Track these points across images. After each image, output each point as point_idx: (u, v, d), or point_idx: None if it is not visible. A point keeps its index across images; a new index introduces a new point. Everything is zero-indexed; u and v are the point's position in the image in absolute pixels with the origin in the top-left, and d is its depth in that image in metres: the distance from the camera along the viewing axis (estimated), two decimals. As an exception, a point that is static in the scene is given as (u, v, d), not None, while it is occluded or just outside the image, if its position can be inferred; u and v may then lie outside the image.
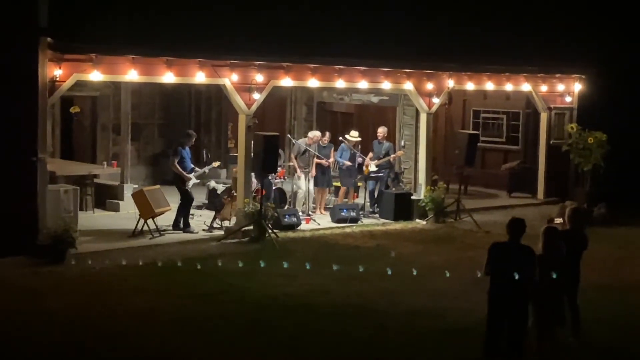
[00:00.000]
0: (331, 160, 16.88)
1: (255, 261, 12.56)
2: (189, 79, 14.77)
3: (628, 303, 11.31)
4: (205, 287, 11.45)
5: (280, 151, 16.21)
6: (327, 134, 17.28)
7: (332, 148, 17.01)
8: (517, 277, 8.19)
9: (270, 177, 15.84)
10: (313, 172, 16.64)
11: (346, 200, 17.41)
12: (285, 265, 11.58)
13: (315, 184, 16.95)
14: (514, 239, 8.55)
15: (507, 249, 8.54)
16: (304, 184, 16.71)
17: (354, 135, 17.27)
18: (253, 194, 15.29)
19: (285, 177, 17.34)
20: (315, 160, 16.66)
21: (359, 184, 17.98)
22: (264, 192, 15.13)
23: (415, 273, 10.46)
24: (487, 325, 8.60)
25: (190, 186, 15.11)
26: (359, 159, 17.27)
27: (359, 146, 17.34)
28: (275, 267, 11.99)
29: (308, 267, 11.20)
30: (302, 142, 16.97)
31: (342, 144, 17.21)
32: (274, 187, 16.38)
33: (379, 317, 10.43)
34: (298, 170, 16.66)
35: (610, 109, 18.98)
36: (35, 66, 12.81)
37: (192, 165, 15.31)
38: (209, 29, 14.72)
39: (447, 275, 10.38)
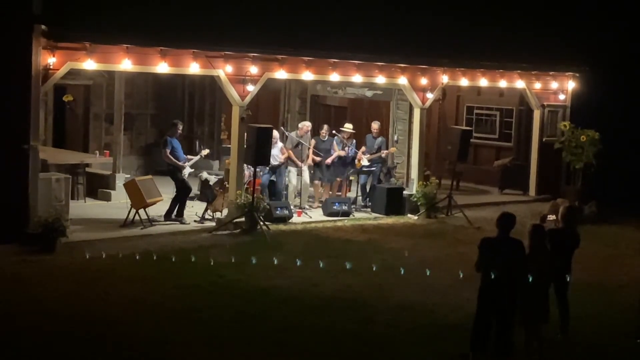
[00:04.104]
0: (336, 154, 16.83)
1: (246, 253, 12.58)
2: (183, 70, 14.76)
3: (615, 301, 11.36)
4: (195, 278, 11.45)
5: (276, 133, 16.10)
6: (325, 127, 17.26)
7: (333, 142, 16.99)
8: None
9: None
10: (310, 161, 16.58)
11: (339, 193, 17.41)
12: (275, 258, 11.59)
13: (320, 179, 16.96)
14: (504, 234, 8.58)
15: (497, 244, 8.57)
16: (294, 178, 16.68)
17: (348, 127, 17.25)
18: (245, 186, 15.30)
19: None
20: (311, 155, 16.61)
21: (351, 177, 17.99)
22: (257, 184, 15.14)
23: (374, 268, 10.45)
24: (475, 319, 8.63)
25: (186, 175, 15.13)
26: (351, 152, 17.14)
27: (353, 139, 17.26)
28: (265, 259, 12.00)
29: (298, 260, 11.22)
30: (294, 135, 16.95)
31: (335, 137, 17.21)
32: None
33: (368, 311, 10.46)
34: (296, 162, 16.58)
35: (603, 107, 19.02)
36: (29, 54, 12.78)
37: (185, 155, 15.30)
38: (204, 19, 14.71)
39: (428, 273, 10.37)
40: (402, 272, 10.56)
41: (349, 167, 17.30)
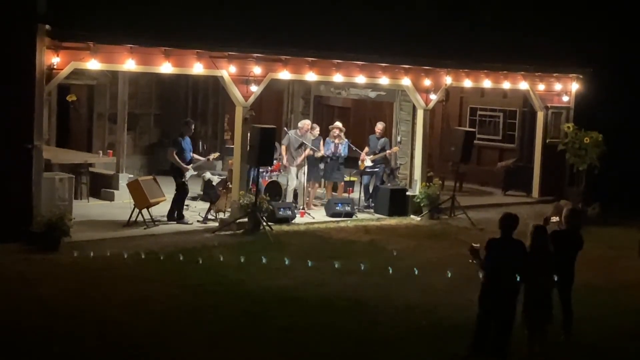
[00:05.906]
0: (321, 153, 16.81)
1: (249, 253, 12.58)
2: (186, 70, 14.76)
3: (618, 303, 11.37)
4: (197, 277, 11.46)
5: (277, 144, 16.16)
6: (316, 127, 17.23)
7: (321, 141, 16.97)
8: (518, 278, 8.26)
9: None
10: (299, 161, 16.47)
11: (335, 194, 17.38)
12: (282, 259, 11.59)
13: (310, 179, 16.93)
14: (507, 234, 8.58)
15: (504, 245, 8.57)
16: (294, 179, 16.67)
17: (337, 125, 17.20)
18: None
19: (281, 170, 17.33)
20: (308, 151, 16.58)
21: (354, 178, 17.97)
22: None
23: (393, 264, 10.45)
24: (477, 320, 8.63)
25: (187, 178, 15.11)
26: (344, 152, 17.01)
27: (342, 136, 17.14)
28: (268, 260, 12.00)
29: (301, 261, 11.21)
30: (292, 133, 16.88)
31: (328, 138, 17.17)
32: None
33: (371, 311, 10.46)
34: (288, 163, 16.57)
35: (606, 109, 19.00)
36: (33, 53, 12.81)
37: (191, 156, 15.27)
38: (208, 20, 14.72)
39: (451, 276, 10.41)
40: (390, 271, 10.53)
41: (343, 168, 17.17)
